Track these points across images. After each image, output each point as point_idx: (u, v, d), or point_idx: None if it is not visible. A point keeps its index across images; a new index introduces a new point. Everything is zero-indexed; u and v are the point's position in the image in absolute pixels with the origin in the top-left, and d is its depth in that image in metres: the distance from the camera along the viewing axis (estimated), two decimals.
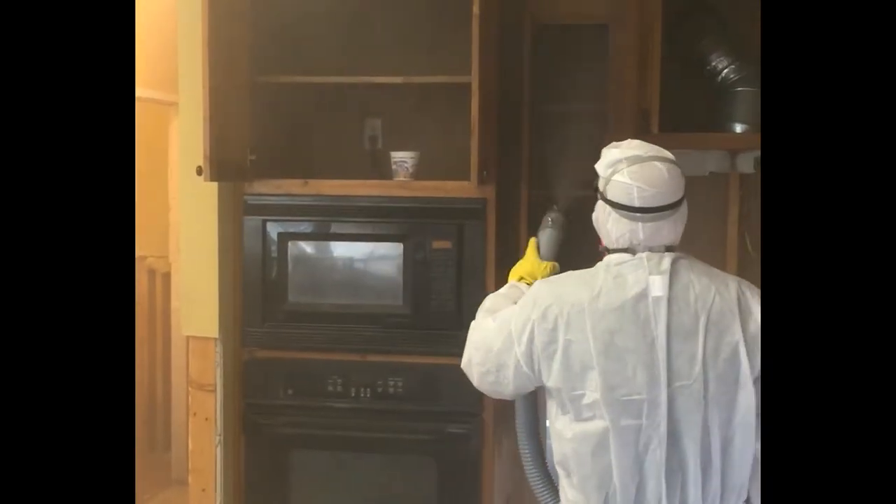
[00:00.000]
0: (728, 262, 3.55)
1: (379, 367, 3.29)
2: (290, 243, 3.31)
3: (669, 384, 2.06)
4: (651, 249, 2.14)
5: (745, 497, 2.15)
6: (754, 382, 2.06)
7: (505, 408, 3.41)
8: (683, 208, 2.18)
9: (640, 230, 2.13)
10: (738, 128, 3.45)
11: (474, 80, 3.05)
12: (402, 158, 3.32)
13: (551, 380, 2.18)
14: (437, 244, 3.26)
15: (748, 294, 2.12)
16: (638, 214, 2.12)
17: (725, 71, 3.45)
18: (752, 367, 2.06)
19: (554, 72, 3.54)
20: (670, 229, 2.14)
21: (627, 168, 2.13)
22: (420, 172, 3.35)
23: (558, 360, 2.16)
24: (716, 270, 2.18)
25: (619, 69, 3.33)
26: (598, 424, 2.12)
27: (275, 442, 3.34)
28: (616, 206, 2.14)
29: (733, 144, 3.47)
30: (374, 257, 3.41)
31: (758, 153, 3.50)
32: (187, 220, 3.35)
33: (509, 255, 3.41)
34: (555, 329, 2.16)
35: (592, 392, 2.11)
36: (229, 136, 3.10)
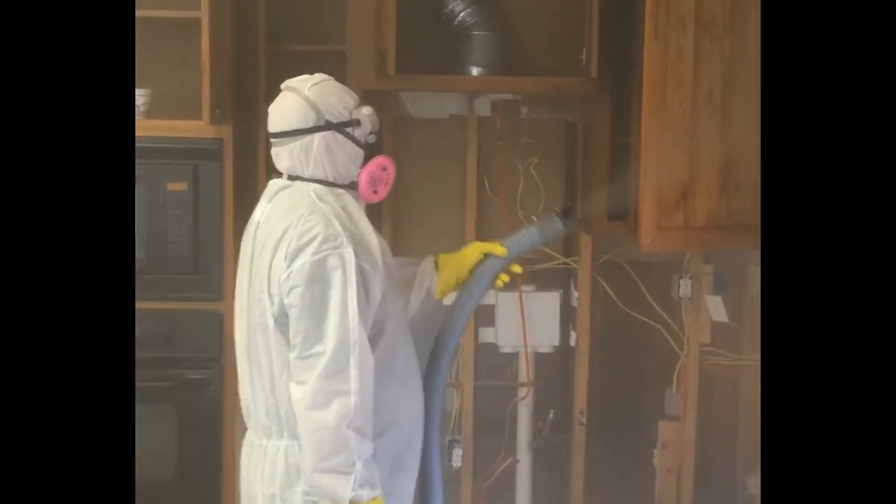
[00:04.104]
0: (467, 202, 3.64)
1: None
2: None
3: (249, 303, 2.18)
4: (282, 174, 2.22)
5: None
6: (276, 312, 2.10)
7: None
8: (305, 140, 2.17)
9: (272, 153, 2.24)
10: (475, 71, 3.51)
11: (204, 15, 2.96)
12: None
13: None
14: (171, 186, 3.16)
15: (296, 227, 2.08)
16: (270, 139, 2.24)
17: (462, 14, 3.50)
18: (270, 295, 2.10)
19: (291, 11, 3.49)
20: (287, 157, 2.19)
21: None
22: (152, 111, 3.22)
23: None
24: (306, 202, 2.13)
25: (356, 9, 3.31)
26: None
27: None
28: None
29: (470, 87, 3.53)
30: None
31: (494, 96, 3.60)
32: None
33: (248, 197, 3.36)
34: None
35: None
36: None
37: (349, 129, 2.19)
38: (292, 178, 2.20)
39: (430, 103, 3.62)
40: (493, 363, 3.76)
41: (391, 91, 3.42)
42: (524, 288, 3.65)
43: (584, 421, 3.64)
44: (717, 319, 3.60)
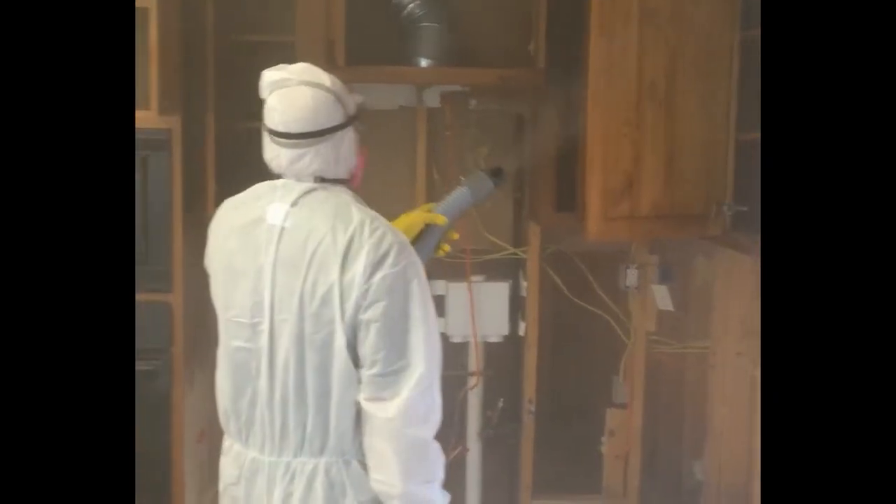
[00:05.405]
0: (417, 192, 3.66)
1: None
2: None
3: (272, 315, 2.01)
4: (298, 177, 2.04)
5: (349, 455, 2.03)
6: (346, 328, 1.96)
7: (197, 343, 3.38)
8: (336, 139, 2.04)
9: (282, 156, 2.03)
10: (424, 62, 3.53)
11: (152, 4, 2.95)
12: None
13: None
14: None
15: (365, 237, 1.96)
16: (280, 140, 2.02)
17: (411, 6, 3.52)
18: (342, 311, 1.94)
19: (240, 1, 3.48)
20: (314, 158, 2.02)
21: (277, 91, 2.02)
22: None
23: (214, 279, 2.19)
24: (354, 208, 2.01)
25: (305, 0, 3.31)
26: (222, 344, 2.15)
27: None
28: (266, 129, 2.05)
29: (419, 79, 3.56)
30: None
31: (443, 88, 3.63)
32: None
33: (197, 189, 3.35)
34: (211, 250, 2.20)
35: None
36: None
37: (356, 122, 2.10)
38: (318, 180, 2.04)
39: (379, 95, 3.63)
40: (443, 352, 3.78)
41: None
42: (474, 278, 3.68)
43: (533, 409, 3.68)
44: (662, 308, 3.67)
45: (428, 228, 2.38)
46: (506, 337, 3.77)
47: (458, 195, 2.47)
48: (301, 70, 2.04)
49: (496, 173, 2.52)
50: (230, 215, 2.14)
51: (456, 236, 2.47)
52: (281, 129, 2.01)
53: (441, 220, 2.38)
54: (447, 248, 2.45)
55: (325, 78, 2.03)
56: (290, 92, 2.01)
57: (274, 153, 2.05)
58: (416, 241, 2.33)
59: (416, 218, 2.38)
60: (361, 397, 1.98)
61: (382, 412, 1.95)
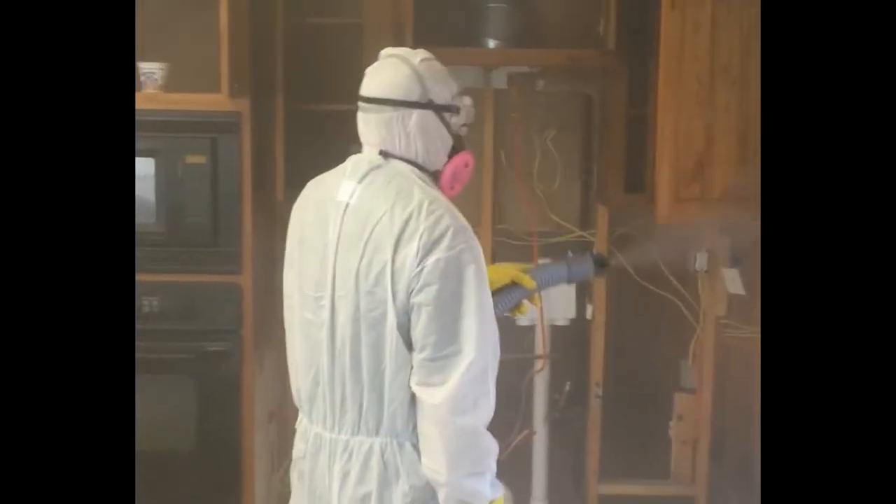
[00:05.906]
0: (484, 175, 3.65)
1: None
2: None
3: (334, 291, 2.01)
4: (369, 144, 2.07)
5: (403, 437, 2.02)
6: (398, 309, 1.94)
7: (266, 324, 3.41)
8: (404, 114, 2.01)
9: (360, 120, 2.07)
10: (492, 43, 3.52)
11: None
12: (151, 70, 3.19)
13: None
14: (190, 159, 3.18)
15: (422, 218, 1.93)
16: (360, 104, 2.07)
17: None
18: (394, 292, 1.93)
19: None
20: (378, 125, 2.03)
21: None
22: (170, 85, 3.24)
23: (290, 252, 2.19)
24: (416, 189, 1.98)
25: None
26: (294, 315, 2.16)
27: None
28: None
29: (487, 60, 3.54)
30: None
31: (510, 69, 3.60)
32: None
33: (266, 171, 3.38)
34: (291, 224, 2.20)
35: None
36: None
37: (447, 115, 2.05)
38: (384, 154, 2.04)
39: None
40: (509, 336, 3.76)
41: None
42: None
43: (600, 393, 3.65)
44: (733, 292, 3.61)
45: (513, 285, 2.34)
46: (573, 320, 3.74)
47: (556, 269, 2.46)
48: (406, 50, 2.08)
49: (602, 262, 2.52)
50: (312, 191, 2.16)
51: (538, 303, 2.46)
52: (363, 93, 2.06)
53: (529, 282, 2.34)
54: (526, 310, 2.40)
55: (417, 59, 2.04)
56: (381, 63, 2.07)
57: (358, 118, 2.09)
58: (497, 292, 2.28)
59: (505, 271, 2.35)
60: (413, 381, 1.97)
61: (431, 398, 1.93)
